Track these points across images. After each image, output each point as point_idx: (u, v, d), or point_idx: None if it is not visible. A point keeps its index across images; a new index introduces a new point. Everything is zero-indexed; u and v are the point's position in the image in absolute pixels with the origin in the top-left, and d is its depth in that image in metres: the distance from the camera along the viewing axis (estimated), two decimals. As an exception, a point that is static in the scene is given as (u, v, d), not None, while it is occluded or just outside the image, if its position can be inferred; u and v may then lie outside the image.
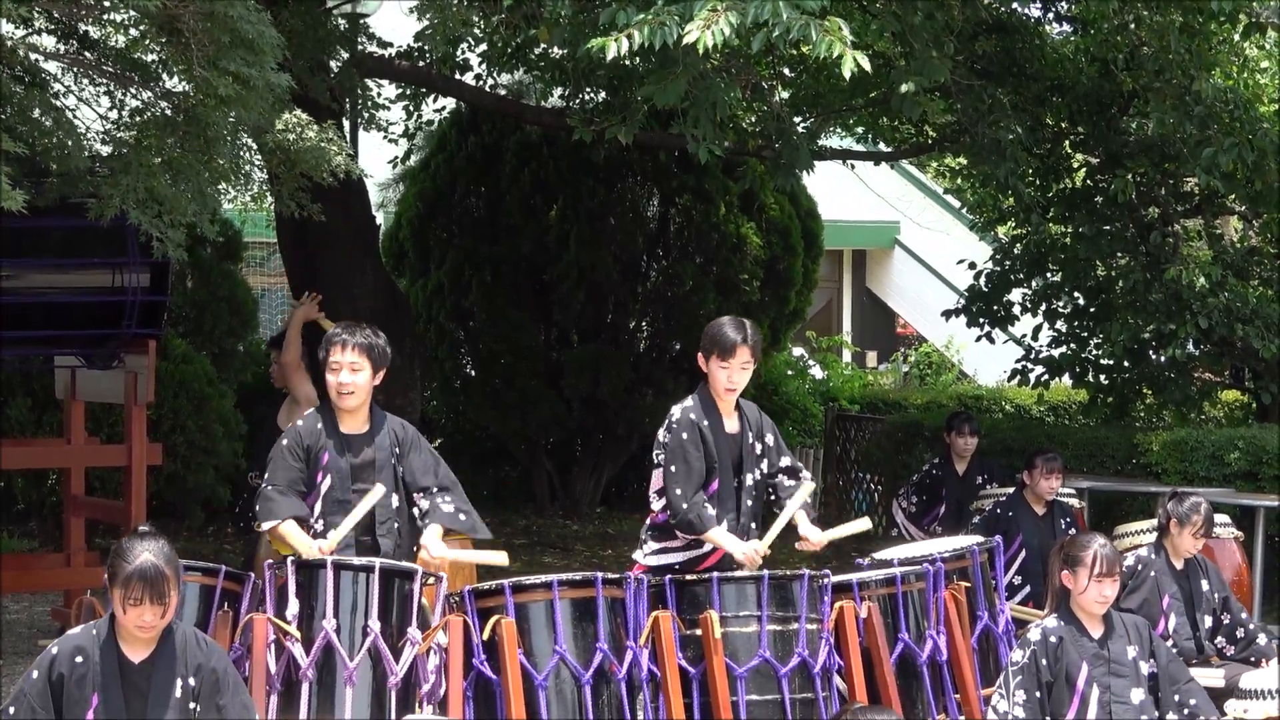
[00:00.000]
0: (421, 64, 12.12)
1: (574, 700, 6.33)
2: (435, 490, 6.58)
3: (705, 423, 6.82)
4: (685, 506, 6.71)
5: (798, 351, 18.24)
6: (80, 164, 7.67)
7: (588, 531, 14.26)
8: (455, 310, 14.51)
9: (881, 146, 14.25)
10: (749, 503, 6.90)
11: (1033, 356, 13.38)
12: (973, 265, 13.57)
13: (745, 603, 6.59)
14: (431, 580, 6.37)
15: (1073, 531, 9.10)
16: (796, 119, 11.52)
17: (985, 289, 13.35)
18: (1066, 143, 12.81)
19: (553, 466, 15.14)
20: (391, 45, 12.03)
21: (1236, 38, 12.10)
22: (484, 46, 12.08)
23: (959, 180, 16.45)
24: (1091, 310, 13.04)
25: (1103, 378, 13.15)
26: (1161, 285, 11.72)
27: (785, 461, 7.05)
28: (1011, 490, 9.86)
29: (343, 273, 11.89)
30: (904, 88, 8.73)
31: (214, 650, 5.38)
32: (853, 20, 8.15)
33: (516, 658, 6.26)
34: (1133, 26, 10.91)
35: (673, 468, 6.76)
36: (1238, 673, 7.53)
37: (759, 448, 6.97)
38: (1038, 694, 6.34)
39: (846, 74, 6.94)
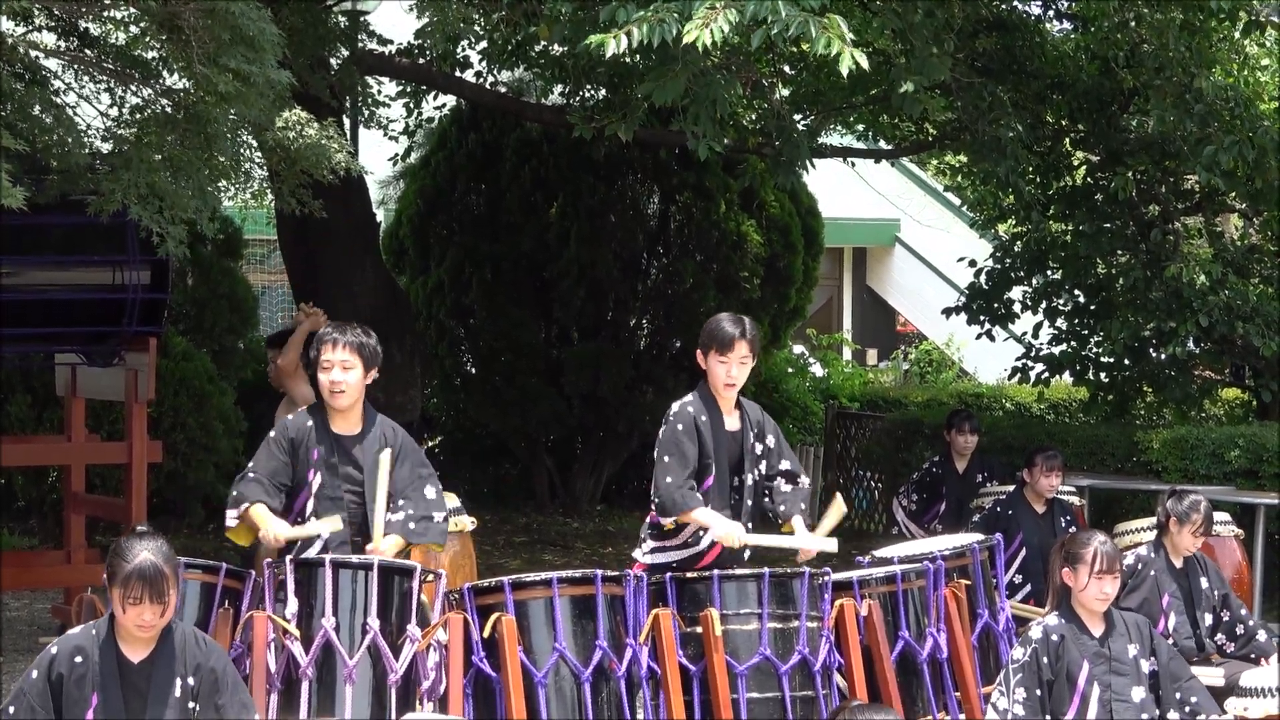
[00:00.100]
0: (422, 61, 12.14)
1: (574, 698, 6.33)
2: (402, 501, 6.55)
3: (704, 418, 6.81)
4: (671, 489, 6.67)
5: (798, 349, 18.24)
6: (80, 161, 7.67)
7: (588, 529, 14.26)
8: (455, 307, 14.51)
9: (882, 144, 14.25)
10: (748, 502, 6.88)
11: (1033, 354, 13.38)
12: (973, 263, 13.57)
13: (746, 600, 6.58)
14: (431, 577, 6.37)
15: (1073, 530, 9.10)
16: (797, 116, 11.51)
17: (986, 287, 13.35)
18: (1067, 140, 12.81)
19: (553, 464, 15.14)
20: (392, 42, 12.04)
21: (1237, 35, 12.11)
22: (484, 44, 12.09)
23: (959, 178, 16.46)
24: (1092, 308, 13.04)
25: (1103, 375, 13.15)
26: (1162, 283, 11.72)
27: (785, 465, 7.02)
28: (1012, 488, 9.86)
29: (343, 270, 11.90)
30: (904, 87, 8.73)
31: (213, 650, 5.38)
32: (853, 18, 8.15)
33: (516, 655, 6.26)
34: (1133, 24, 10.92)
35: (665, 458, 6.74)
36: (1238, 671, 7.53)
37: (759, 448, 6.95)
38: (1038, 692, 6.33)
39: (844, 71, 6.94)
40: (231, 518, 6.48)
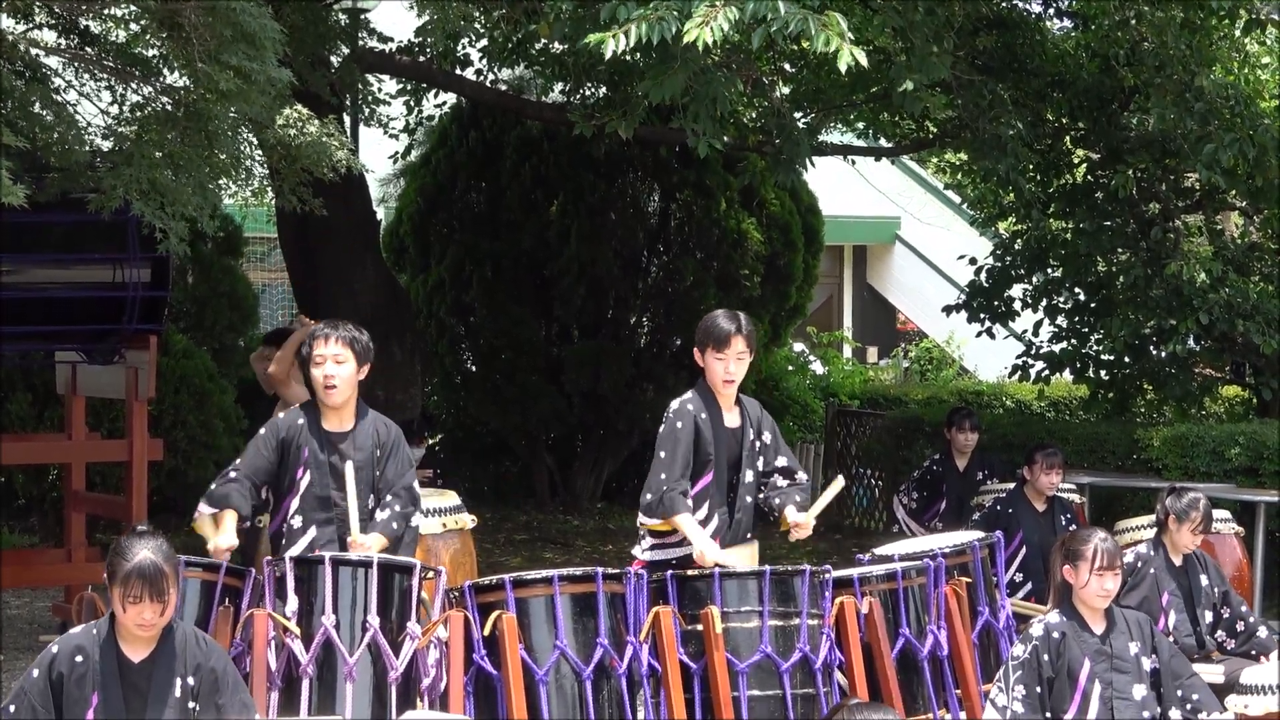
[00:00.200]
0: (422, 59, 12.14)
1: (574, 695, 6.33)
2: (389, 497, 6.56)
3: (703, 415, 6.80)
4: (662, 489, 6.66)
5: (798, 347, 18.24)
6: (81, 159, 7.67)
7: (588, 527, 14.26)
8: (456, 305, 14.51)
9: (882, 142, 14.24)
10: (747, 499, 6.88)
11: (1033, 352, 13.38)
12: (973, 261, 13.58)
13: (746, 598, 6.58)
14: (431, 575, 6.37)
15: (1073, 528, 9.10)
16: (797, 114, 11.51)
17: (986, 284, 13.35)
18: (1067, 138, 12.81)
19: (553, 462, 15.14)
20: (392, 40, 12.04)
21: (1237, 33, 12.11)
22: (484, 42, 12.08)
23: (960, 176, 16.46)
24: (1092, 306, 13.04)
25: (1103, 373, 13.16)
26: (1162, 281, 11.72)
27: (782, 461, 7.01)
28: (1012, 486, 9.86)
29: (343, 268, 11.90)
30: (905, 85, 8.73)
31: (214, 649, 5.38)
32: (853, 16, 8.15)
33: (517, 653, 6.26)
34: (1133, 22, 10.92)
35: (662, 454, 6.73)
36: (1238, 668, 7.53)
37: (758, 444, 6.95)
38: (1038, 689, 6.33)
39: (843, 68, 6.94)
40: (205, 513, 6.49)
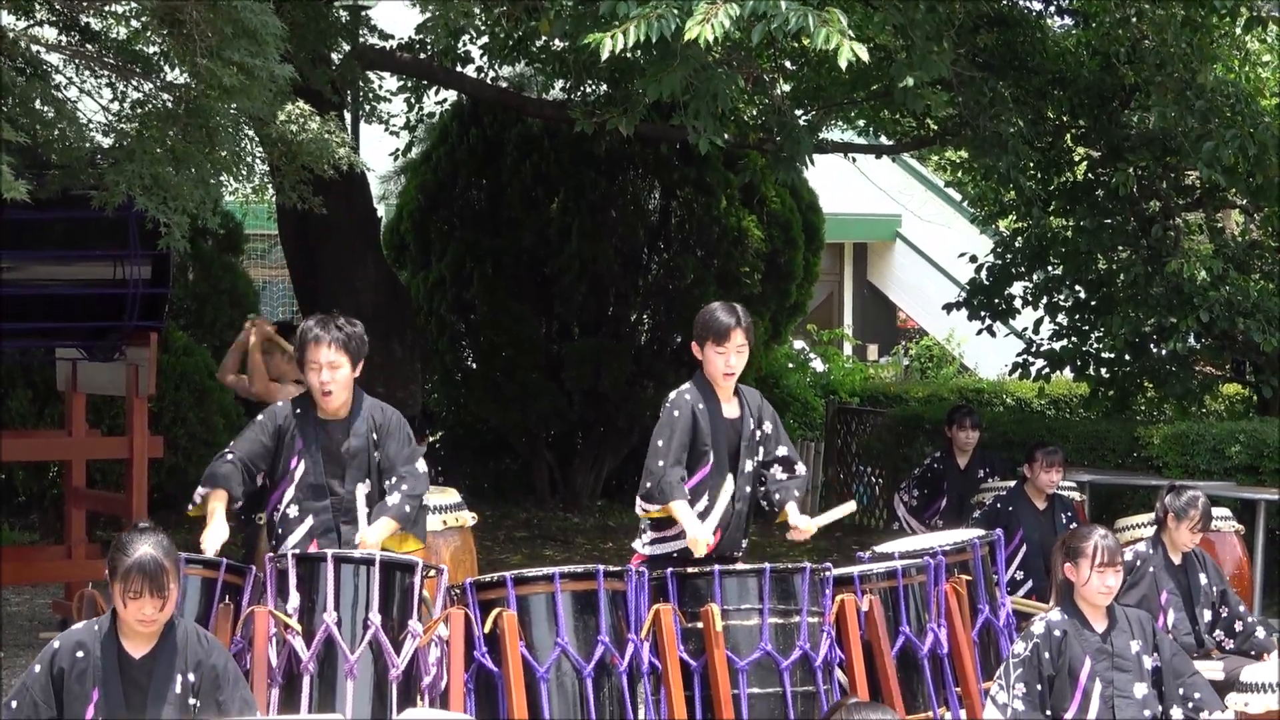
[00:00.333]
0: (423, 56, 12.13)
1: (575, 693, 6.33)
2: (395, 479, 6.55)
3: (701, 406, 6.80)
4: (658, 475, 6.66)
5: (798, 345, 18.22)
6: (82, 155, 7.67)
7: (588, 524, 14.27)
8: (456, 303, 14.51)
9: (883, 139, 14.24)
10: (746, 489, 6.87)
11: (1034, 350, 13.38)
12: (974, 258, 13.57)
13: (747, 596, 6.58)
14: (433, 573, 6.37)
15: (1074, 526, 9.10)
16: (798, 112, 11.52)
17: (986, 282, 13.35)
18: (1068, 136, 12.81)
19: (553, 459, 15.14)
20: (393, 38, 12.04)
21: (1238, 31, 12.10)
22: (485, 39, 12.09)
23: (960, 173, 16.43)
24: (1092, 304, 13.04)
25: (1104, 371, 13.16)
26: (1162, 279, 11.72)
27: (782, 451, 7.01)
28: (1013, 484, 9.86)
29: (344, 265, 11.90)
30: (906, 82, 8.72)
31: (214, 646, 5.39)
32: (854, 13, 8.15)
33: (518, 650, 6.26)
34: (1134, 20, 10.92)
35: (659, 442, 6.73)
36: (1237, 666, 7.53)
37: (758, 434, 6.95)
38: (1038, 687, 6.32)
39: (843, 64, 6.94)
40: (198, 496, 6.52)
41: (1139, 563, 7.93)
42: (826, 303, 23.30)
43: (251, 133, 8.32)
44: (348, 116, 12.84)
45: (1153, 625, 6.64)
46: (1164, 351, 12.44)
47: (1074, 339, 13.18)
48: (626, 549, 7.66)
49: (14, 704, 5.17)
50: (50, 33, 8.38)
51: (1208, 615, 7.96)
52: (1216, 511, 9.01)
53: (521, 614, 6.34)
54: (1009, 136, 10.64)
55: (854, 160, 16.93)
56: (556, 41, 10.54)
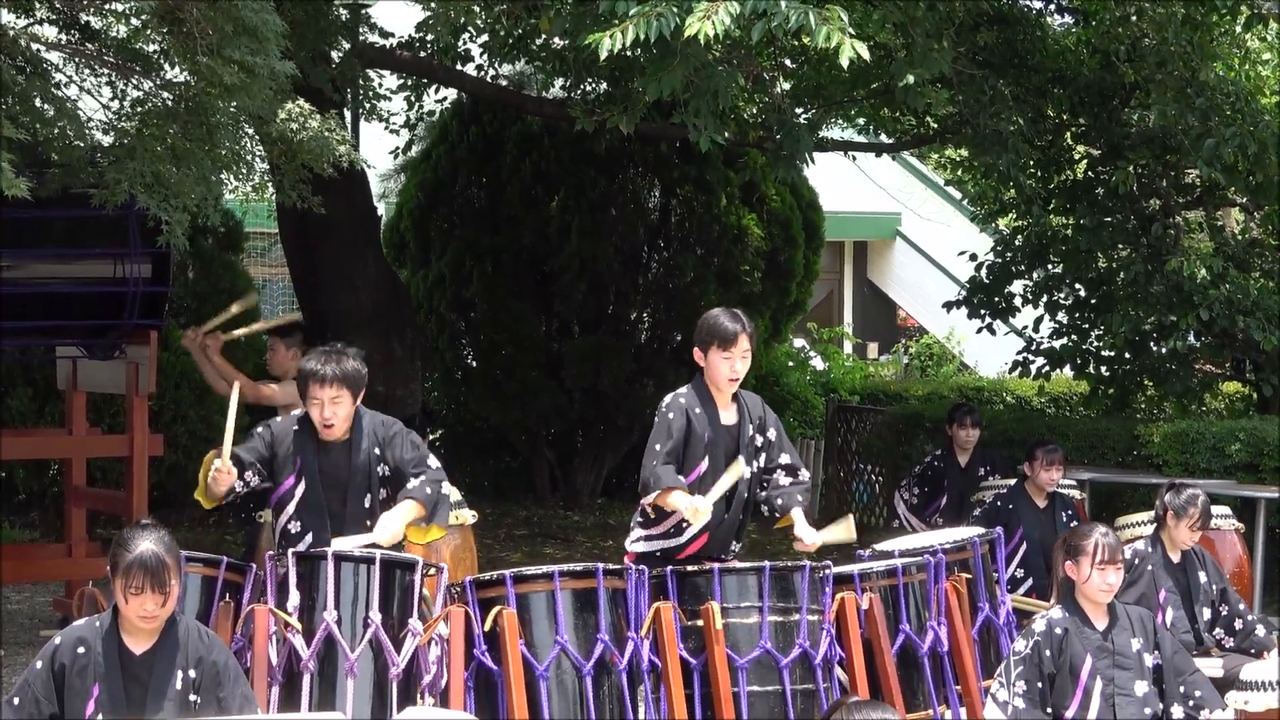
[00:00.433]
0: (423, 54, 12.13)
1: (575, 691, 6.33)
2: (412, 470, 6.55)
3: (697, 410, 6.80)
4: (651, 468, 6.66)
5: (799, 343, 18.22)
6: (82, 154, 7.67)
7: (588, 522, 14.27)
8: (456, 301, 14.51)
9: (883, 138, 14.24)
10: (744, 494, 6.87)
11: (1034, 348, 13.38)
12: (974, 257, 13.57)
13: (746, 594, 6.58)
14: (433, 571, 6.38)
15: (1074, 524, 9.10)
16: (798, 110, 11.52)
17: (986, 280, 13.35)
18: (1068, 134, 12.81)
19: (553, 457, 15.15)
20: (393, 36, 12.04)
21: (1238, 29, 12.10)
22: (485, 37, 12.08)
23: (960, 172, 16.44)
24: (1093, 302, 13.05)
25: (1104, 369, 13.16)
26: (1162, 277, 11.72)
27: (786, 459, 7.00)
28: (1013, 482, 9.86)
29: (344, 263, 11.90)
30: (907, 80, 8.73)
31: (215, 644, 5.39)
32: (854, 12, 8.15)
33: (518, 648, 6.26)
34: (1134, 18, 10.93)
35: (656, 445, 6.74)
36: (1238, 664, 7.52)
37: (760, 440, 6.94)
38: (1039, 684, 6.32)
39: (844, 62, 6.95)
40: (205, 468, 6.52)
41: (1137, 561, 7.92)
42: (827, 301, 23.30)
43: (251, 131, 8.32)
44: (348, 115, 12.84)
45: (1154, 623, 6.64)
46: (1164, 350, 12.44)
47: (1074, 337, 13.19)
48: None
49: (16, 700, 5.18)
50: (50, 31, 8.37)
51: (1207, 613, 7.96)
52: (1216, 510, 9.01)
53: (521, 612, 6.34)
54: (1009, 135, 10.64)
55: (854, 158, 16.93)
56: (556, 40, 10.54)
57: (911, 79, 8.74)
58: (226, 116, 7.51)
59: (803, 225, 14.91)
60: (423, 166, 14.84)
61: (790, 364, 17.14)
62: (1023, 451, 10.07)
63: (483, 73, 12.91)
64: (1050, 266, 13.27)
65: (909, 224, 23.27)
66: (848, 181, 20.24)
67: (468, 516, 8.32)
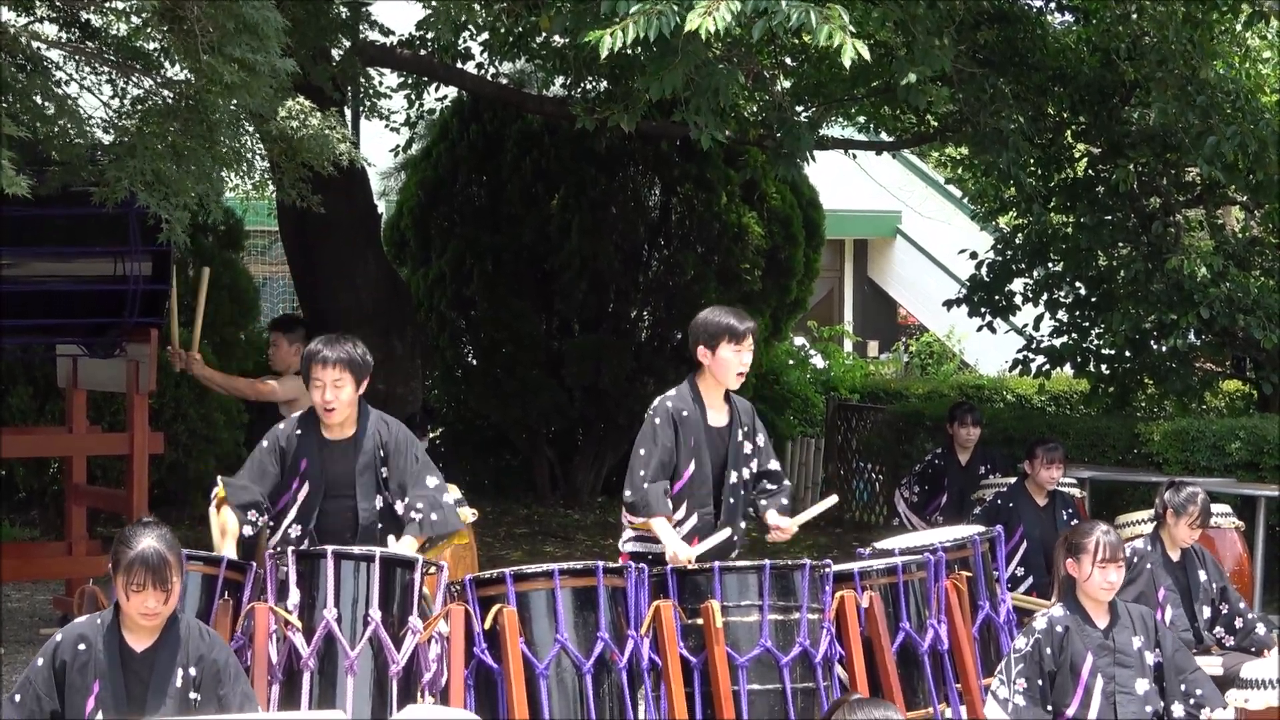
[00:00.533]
0: (423, 52, 12.13)
1: (575, 689, 6.33)
2: (408, 497, 6.55)
3: (685, 413, 6.82)
4: (642, 488, 6.69)
5: (799, 341, 18.23)
6: (82, 151, 7.67)
7: (589, 520, 14.27)
8: (456, 299, 14.51)
9: (883, 136, 14.23)
10: (732, 501, 6.87)
11: (1034, 346, 13.38)
12: (974, 255, 13.58)
13: (747, 592, 6.58)
14: (433, 569, 6.38)
15: (1074, 522, 9.10)
16: (798, 108, 11.51)
17: (986, 279, 13.36)
18: (1068, 132, 12.80)
19: (554, 455, 15.15)
20: (393, 34, 12.04)
21: (1239, 28, 12.10)
22: (485, 35, 12.08)
23: (960, 170, 16.44)
24: (1093, 300, 13.05)
25: (1104, 368, 13.16)
26: (1163, 275, 11.72)
27: (772, 465, 7.04)
28: (1013, 480, 9.86)
29: (344, 261, 11.90)
30: (908, 78, 8.72)
31: (216, 642, 5.40)
32: (855, 9, 8.15)
33: (518, 646, 6.26)
34: (1134, 16, 10.92)
35: (641, 451, 6.76)
36: (1237, 662, 7.52)
37: (749, 446, 6.96)
38: (1039, 682, 6.32)
39: (846, 62, 6.95)
40: (214, 496, 6.53)
41: (1137, 559, 7.92)
42: (827, 299, 23.31)
43: (252, 129, 8.31)
44: (348, 113, 12.84)
45: (1155, 621, 6.64)
46: (1164, 348, 12.45)
47: (1074, 335, 13.19)
48: (625, 546, 7.67)
49: (18, 697, 5.18)
50: (51, 29, 8.37)
51: (1207, 612, 7.96)
52: (1217, 508, 9.01)
53: (521, 610, 6.33)
54: (1009, 133, 10.64)
55: (854, 157, 16.94)
56: (557, 38, 10.53)
57: (912, 77, 8.74)
58: (227, 114, 7.51)
59: (803, 223, 14.91)
60: (423, 165, 14.84)
61: (790, 362, 17.14)
62: (1023, 450, 10.07)
63: (483, 71, 12.91)
64: (1050, 265, 13.27)
65: (909, 222, 23.27)
66: (848, 180, 20.26)
67: (468, 515, 8.31)
